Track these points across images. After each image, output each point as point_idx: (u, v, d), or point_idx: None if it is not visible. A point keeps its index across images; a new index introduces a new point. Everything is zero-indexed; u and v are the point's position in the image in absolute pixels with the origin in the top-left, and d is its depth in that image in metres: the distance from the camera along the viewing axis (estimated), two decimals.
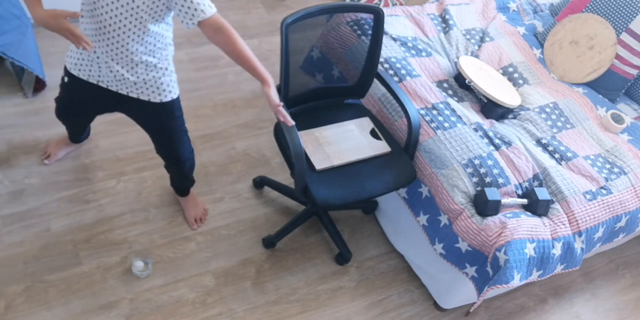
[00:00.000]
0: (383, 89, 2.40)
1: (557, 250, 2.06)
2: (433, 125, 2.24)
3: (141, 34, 1.73)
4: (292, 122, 1.87)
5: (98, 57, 1.82)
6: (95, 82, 1.93)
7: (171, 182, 2.41)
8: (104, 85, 1.93)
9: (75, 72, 1.94)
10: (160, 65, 1.87)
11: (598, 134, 2.51)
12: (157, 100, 1.96)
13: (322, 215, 2.47)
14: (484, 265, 2.03)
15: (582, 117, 2.55)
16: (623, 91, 2.78)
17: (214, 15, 1.68)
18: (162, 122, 2.06)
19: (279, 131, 2.21)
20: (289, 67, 2.07)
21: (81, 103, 2.09)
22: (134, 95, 1.94)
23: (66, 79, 2.00)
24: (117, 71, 1.84)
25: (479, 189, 2.10)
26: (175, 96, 2.00)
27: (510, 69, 2.66)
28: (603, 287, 2.68)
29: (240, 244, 2.44)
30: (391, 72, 2.40)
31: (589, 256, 2.76)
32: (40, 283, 2.16)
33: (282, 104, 1.83)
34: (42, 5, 1.59)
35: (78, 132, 2.46)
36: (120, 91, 1.94)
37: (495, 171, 2.14)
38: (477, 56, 2.67)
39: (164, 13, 1.71)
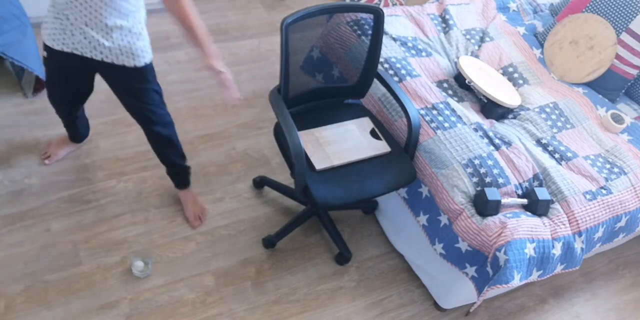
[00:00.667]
0: (383, 89, 2.40)
1: (557, 250, 2.06)
2: (433, 125, 2.24)
3: None
4: (238, 95, 1.88)
5: (72, 24, 1.84)
6: (70, 51, 1.94)
7: (167, 170, 2.39)
8: (79, 53, 1.94)
9: (50, 43, 1.95)
10: (134, 29, 1.89)
11: (598, 134, 2.51)
12: (132, 65, 1.97)
13: (322, 215, 2.47)
14: (484, 265, 2.03)
15: (582, 117, 2.55)
16: (623, 91, 2.78)
17: None
18: (135, 86, 2.06)
19: (279, 131, 2.21)
20: (289, 67, 2.07)
21: (63, 76, 2.11)
22: (109, 61, 1.95)
23: (45, 53, 2.03)
24: (92, 37, 1.86)
25: (479, 189, 2.10)
26: (148, 61, 2.01)
27: (510, 69, 2.66)
28: (603, 287, 2.68)
29: (240, 244, 2.44)
30: (391, 72, 2.40)
31: (589, 256, 2.76)
32: (40, 283, 2.16)
33: (226, 72, 1.83)
34: None
35: (73, 124, 2.44)
36: (94, 57, 1.94)
37: (495, 171, 2.14)
38: (477, 56, 2.67)
39: None
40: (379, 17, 2.14)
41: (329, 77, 2.47)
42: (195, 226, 2.44)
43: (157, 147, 2.28)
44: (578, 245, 2.13)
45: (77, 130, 2.49)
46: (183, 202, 2.48)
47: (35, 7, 3.00)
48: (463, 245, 2.07)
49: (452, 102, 2.36)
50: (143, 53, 1.96)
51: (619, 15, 2.66)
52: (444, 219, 2.13)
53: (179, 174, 2.40)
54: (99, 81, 2.91)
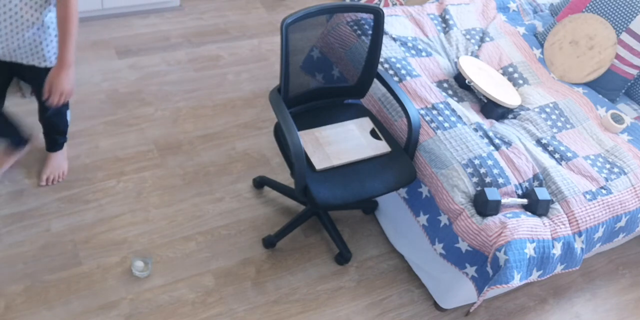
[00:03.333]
0: (383, 89, 2.40)
1: (557, 250, 2.06)
2: (433, 125, 2.24)
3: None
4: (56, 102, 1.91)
5: None
6: None
7: (44, 133, 2.38)
8: None
9: None
10: (50, 30, 1.91)
11: (598, 134, 2.51)
12: (43, 66, 2.00)
13: (322, 215, 2.47)
14: (484, 265, 2.04)
15: (582, 117, 2.55)
16: (623, 91, 2.78)
17: None
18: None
19: (279, 131, 2.21)
20: (289, 67, 2.07)
21: None
22: (24, 62, 1.96)
23: None
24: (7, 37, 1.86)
25: (479, 189, 2.10)
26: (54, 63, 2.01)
27: (510, 69, 2.66)
28: (603, 287, 2.68)
29: (240, 244, 2.44)
30: (391, 72, 2.40)
31: (589, 256, 2.76)
32: (40, 283, 2.16)
33: (57, 97, 1.90)
34: None
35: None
36: (13, 60, 1.95)
37: (495, 171, 2.14)
38: (477, 56, 2.67)
39: None
40: (379, 17, 2.14)
41: (329, 77, 2.47)
42: (40, 185, 2.42)
43: (46, 129, 2.34)
44: (578, 245, 2.13)
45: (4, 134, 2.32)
46: (46, 161, 2.44)
47: None
48: (463, 245, 2.07)
49: (452, 102, 2.36)
50: (52, 53, 1.98)
51: (619, 15, 2.66)
52: (444, 219, 2.13)
53: (55, 140, 2.40)
54: (97, 81, 2.90)
